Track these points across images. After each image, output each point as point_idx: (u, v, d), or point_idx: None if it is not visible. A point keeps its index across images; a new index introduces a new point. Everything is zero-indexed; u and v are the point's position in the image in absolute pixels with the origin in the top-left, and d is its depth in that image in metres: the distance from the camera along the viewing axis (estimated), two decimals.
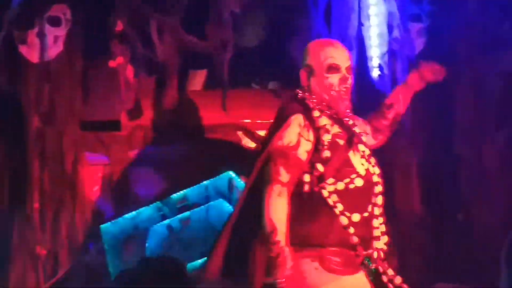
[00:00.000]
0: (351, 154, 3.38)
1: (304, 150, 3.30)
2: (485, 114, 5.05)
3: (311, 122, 3.34)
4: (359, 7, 4.89)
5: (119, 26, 4.70)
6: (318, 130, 3.34)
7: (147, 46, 4.88)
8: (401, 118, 3.63)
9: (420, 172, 5.05)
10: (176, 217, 4.97)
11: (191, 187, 5.04)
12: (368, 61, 4.93)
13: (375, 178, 3.40)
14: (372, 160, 3.45)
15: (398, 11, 4.90)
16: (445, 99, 4.92)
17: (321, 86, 3.40)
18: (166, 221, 4.89)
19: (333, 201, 3.30)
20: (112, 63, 4.75)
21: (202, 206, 4.99)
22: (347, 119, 3.44)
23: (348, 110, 3.44)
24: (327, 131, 3.35)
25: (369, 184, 3.37)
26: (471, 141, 5.03)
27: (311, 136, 3.32)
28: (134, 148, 5.09)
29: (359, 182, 3.35)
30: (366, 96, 5.13)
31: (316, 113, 3.37)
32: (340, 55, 3.43)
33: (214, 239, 3.44)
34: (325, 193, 3.31)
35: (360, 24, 4.90)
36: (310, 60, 3.42)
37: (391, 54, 4.96)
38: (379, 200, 3.40)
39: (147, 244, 4.80)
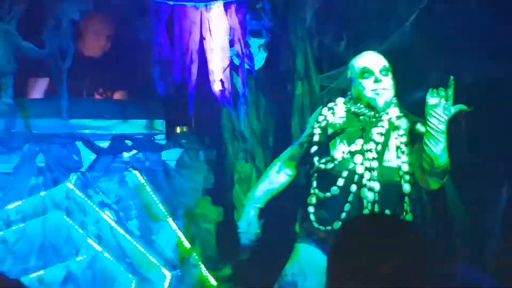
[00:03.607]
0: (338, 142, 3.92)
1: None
2: None
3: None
4: (201, 20, 4.93)
5: None
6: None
7: None
8: None
9: None
10: (10, 228, 4.82)
11: (27, 198, 4.91)
12: (209, 74, 4.97)
13: (360, 170, 3.87)
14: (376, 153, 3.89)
15: (239, 26, 4.96)
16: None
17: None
18: None
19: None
20: None
21: (38, 218, 4.87)
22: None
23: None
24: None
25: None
26: None
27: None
28: None
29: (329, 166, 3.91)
30: (206, 109, 5.19)
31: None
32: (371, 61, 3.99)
33: None
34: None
35: (202, 38, 4.94)
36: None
37: (232, 68, 5.03)
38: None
39: None
